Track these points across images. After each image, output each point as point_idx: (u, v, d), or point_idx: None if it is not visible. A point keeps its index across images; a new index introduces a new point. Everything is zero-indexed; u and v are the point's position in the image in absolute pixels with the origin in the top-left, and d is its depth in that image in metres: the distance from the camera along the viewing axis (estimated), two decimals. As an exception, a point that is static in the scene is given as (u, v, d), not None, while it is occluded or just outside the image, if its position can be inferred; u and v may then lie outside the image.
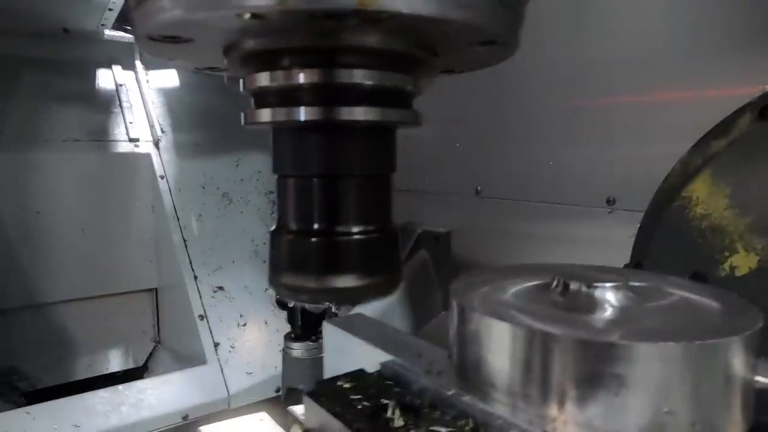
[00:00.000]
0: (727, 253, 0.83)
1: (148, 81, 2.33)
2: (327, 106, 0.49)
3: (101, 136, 2.07)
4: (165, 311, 2.15)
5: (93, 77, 2.22)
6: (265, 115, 0.52)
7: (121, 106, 2.18)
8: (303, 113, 0.50)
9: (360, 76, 0.49)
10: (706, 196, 0.87)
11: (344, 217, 0.54)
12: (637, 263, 0.98)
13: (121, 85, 2.24)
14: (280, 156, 0.56)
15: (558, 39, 1.26)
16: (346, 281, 0.52)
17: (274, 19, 0.41)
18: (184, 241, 1.91)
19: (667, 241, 0.92)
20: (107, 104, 2.17)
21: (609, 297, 0.44)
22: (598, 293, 0.44)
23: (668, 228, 0.92)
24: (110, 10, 2.02)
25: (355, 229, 0.53)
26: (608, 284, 0.45)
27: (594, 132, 1.22)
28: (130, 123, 2.14)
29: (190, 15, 0.41)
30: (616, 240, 1.10)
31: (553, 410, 0.37)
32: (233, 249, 1.97)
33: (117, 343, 2.12)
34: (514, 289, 0.48)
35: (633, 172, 1.13)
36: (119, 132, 2.12)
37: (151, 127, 2.16)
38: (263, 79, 0.51)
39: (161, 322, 2.17)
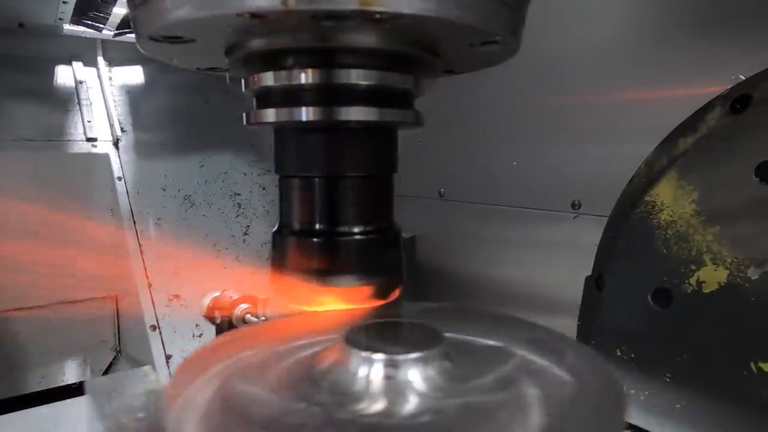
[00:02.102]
0: (693, 266, 0.74)
1: (110, 78, 2.23)
2: (330, 107, 0.49)
3: (56, 136, 1.97)
4: (125, 319, 2.05)
5: (51, 74, 2.12)
6: (267, 115, 0.52)
7: (79, 104, 2.08)
8: (305, 113, 0.50)
9: (362, 77, 0.49)
10: (671, 201, 0.77)
11: (347, 218, 0.53)
12: (599, 275, 0.88)
13: (80, 82, 2.14)
14: (282, 156, 0.56)
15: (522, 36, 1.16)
16: (347, 282, 0.52)
17: (276, 19, 0.40)
18: (140, 245, 1.81)
19: (630, 252, 0.82)
20: (65, 102, 2.07)
21: (410, 376, 0.30)
22: (389, 371, 0.30)
23: (631, 236, 0.82)
24: (65, 2, 1.92)
25: (358, 230, 0.53)
26: (412, 355, 0.31)
27: (559, 132, 1.12)
28: (88, 122, 2.04)
29: (193, 15, 0.41)
30: (581, 247, 1.01)
31: None
32: (193, 255, 1.87)
33: (74, 353, 2.01)
34: (278, 364, 0.35)
35: (599, 175, 1.03)
36: (76, 131, 2.02)
37: (111, 126, 2.06)
38: (265, 79, 0.51)
39: (122, 330, 2.07)
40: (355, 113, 0.50)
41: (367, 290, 0.53)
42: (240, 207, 2.08)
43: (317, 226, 0.53)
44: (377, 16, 0.39)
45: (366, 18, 0.39)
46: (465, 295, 1.36)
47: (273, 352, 0.37)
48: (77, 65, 2.18)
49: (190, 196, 2.00)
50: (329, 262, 0.53)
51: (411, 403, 0.29)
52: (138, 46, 0.51)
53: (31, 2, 1.94)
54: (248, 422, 0.27)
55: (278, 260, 0.55)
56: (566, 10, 1.11)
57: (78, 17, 2.09)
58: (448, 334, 0.34)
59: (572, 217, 1.07)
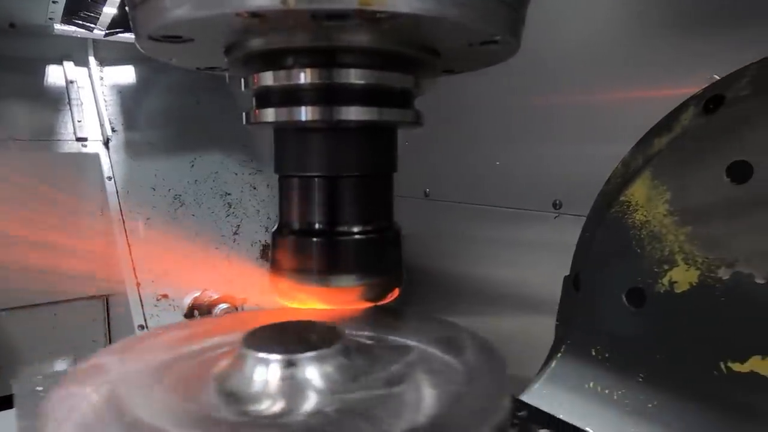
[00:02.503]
0: (666, 266, 0.74)
1: (101, 78, 2.23)
2: (329, 107, 0.49)
3: (46, 135, 1.97)
4: (115, 319, 2.05)
5: (41, 73, 2.12)
6: (267, 115, 0.52)
7: (70, 103, 2.08)
8: (305, 113, 0.50)
9: (362, 76, 0.49)
10: (645, 201, 0.77)
11: (346, 217, 0.53)
12: (576, 275, 0.88)
13: (71, 82, 2.14)
14: (282, 156, 0.56)
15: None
16: (346, 281, 0.52)
17: (275, 19, 0.40)
18: (129, 245, 1.81)
19: (605, 252, 0.82)
20: (55, 102, 2.06)
21: (307, 374, 0.31)
22: (285, 371, 0.31)
23: (606, 236, 0.82)
24: (54, 2, 1.92)
25: (358, 229, 0.53)
26: (309, 354, 0.31)
27: (540, 132, 1.12)
28: (79, 122, 2.04)
29: (192, 14, 0.40)
30: (563, 246, 1.00)
31: None
32: (181, 254, 1.87)
33: (65, 352, 2.01)
34: (178, 366, 0.35)
35: (580, 175, 1.03)
36: (66, 131, 2.02)
37: (102, 125, 2.06)
38: (265, 79, 0.50)
39: (112, 330, 2.07)
40: (354, 113, 0.50)
41: (366, 290, 0.53)
42: (230, 207, 2.08)
43: (317, 226, 0.53)
44: (377, 15, 0.39)
45: (366, 17, 0.40)
46: (452, 294, 1.36)
47: (176, 355, 0.37)
48: (68, 65, 2.18)
49: (180, 195, 2.00)
50: (328, 261, 0.53)
51: (303, 401, 0.29)
52: (137, 46, 0.51)
53: (21, 2, 1.94)
54: (131, 427, 0.27)
55: (278, 260, 0.55)
56: (549, 12, 1.11)
57: (68, 17, 2.09)
58: (365, 333, 0.35)
59: (553, 216, 1.08)
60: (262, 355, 0.31)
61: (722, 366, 0.66)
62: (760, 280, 0.64)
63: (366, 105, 0.50)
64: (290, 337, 0.33)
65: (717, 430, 0.66)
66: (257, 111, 0.53)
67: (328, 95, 0.49)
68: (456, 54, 0.53)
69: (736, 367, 0.65)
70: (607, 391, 0.76)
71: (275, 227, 0.58)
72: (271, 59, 0.50)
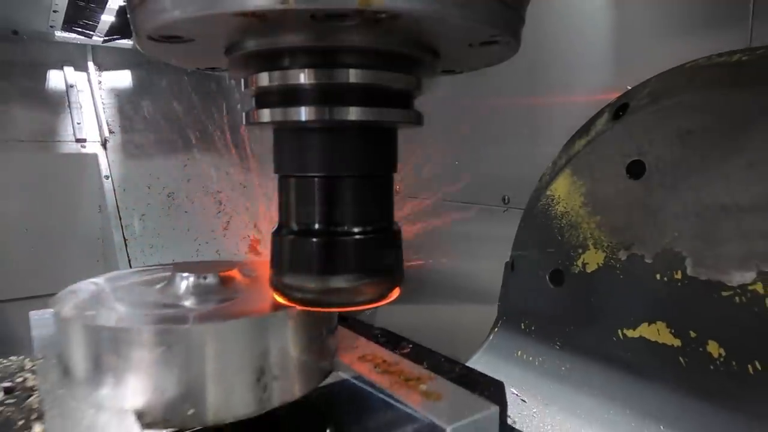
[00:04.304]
0: (580, 250, 0.86)
1: (100, 82, 2.35)
2: (328, 107, 0.49)
3: (47, 137, 2.09)
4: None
5: (43, 78, 2.23)
6: (266, 115, 0.52)
7: (69, 106, 2.20)
8: (303, 114, 0.50)
9: (362, 77, 0.49)
10: (565, 195, 0.89)
11: (346, 217, 0.53)
12: (512, 261, 1.00)
13: (71, 86, 2.26)
14: (281, 156, 0.56)
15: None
16: (346, 281, 0.53)
17: (275, 18, 0.41)
18: (125, 240, 1.93)
19: (534, 239, 0.94)
20: (56, 105, 2.18)
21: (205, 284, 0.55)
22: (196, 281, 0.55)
23: (535, 225, 0.94)
24: (55, 11, 2.04)
25: (358, 229, 0.53)
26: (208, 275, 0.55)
27: (495, 133, 1.24)
28: (78, 124, 2.16)
29: (191, 14, 0.41)
30: (510, 238, 1.12)
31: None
32: (175, 248, 1.99)
33: (63, 342, 2.12)
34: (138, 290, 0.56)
35: (525, 172, 1.15)
36: (66, 133, 2.14)
37: (100, 127, 2.18)
38: (264, 79, 0.51)
39: (109, 321, 2.18)
40: (354, 113, 0.50)
41: (365, 290, 0.54)
42: (221, 204, 2.20)
43: (316, 226, 0.53)
44: (377, 15, 0.39)
45: (366, 17, 0.40)
46: (414, 284, 1.48)
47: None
48: (68, 70, 2.30)
49: (173, 193, 2.12)
50: (328, 261, 0.53)
51: (199, 299, 0.53)
52: (137, 47, 0.51)
53: (23, 10, 2.06)
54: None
55: (275, 260, 0.56)
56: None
57: (69, 24, 2.21)
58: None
59: (503, 210, 1.20)
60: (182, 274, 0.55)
61: (619, 333, 0.78)
62: (648, 260, 0.76)
63: (366, 105, 0.50)
64: (203, 269, 0.51)
65: (614, 387, 0.78)
66: (257, 111, 0.53)
67: (327, 95, 0.49)
68: (456, 54, 0.54)
69: (630, 333, 0.77)
70: (530, 358, 0.88)
71: (275, 227, 0.57)
72: (271, 59, 0.49)
